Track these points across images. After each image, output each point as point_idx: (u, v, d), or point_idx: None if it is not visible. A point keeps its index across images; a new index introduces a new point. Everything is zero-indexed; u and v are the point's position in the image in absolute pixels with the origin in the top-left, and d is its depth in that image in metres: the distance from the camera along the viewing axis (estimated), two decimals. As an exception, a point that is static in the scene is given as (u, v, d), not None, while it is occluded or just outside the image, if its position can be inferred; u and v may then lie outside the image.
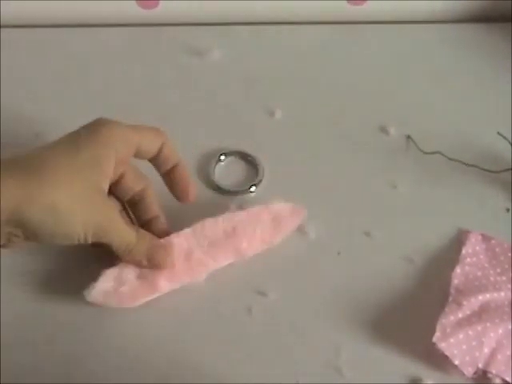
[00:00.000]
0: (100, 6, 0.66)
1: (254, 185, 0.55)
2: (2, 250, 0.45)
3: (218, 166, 0.56)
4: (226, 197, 0.55)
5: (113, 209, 0.47)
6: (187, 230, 0.50)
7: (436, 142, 0.58)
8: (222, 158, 0.57)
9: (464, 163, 0.56)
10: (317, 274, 0.51)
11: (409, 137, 0.59)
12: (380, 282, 0.50)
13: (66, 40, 0.65)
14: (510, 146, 0.56)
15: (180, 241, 0.49)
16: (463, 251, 0.51)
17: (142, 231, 0.48)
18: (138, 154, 0.48)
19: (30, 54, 0.64)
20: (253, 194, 0.55)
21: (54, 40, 0.65)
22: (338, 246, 0.52)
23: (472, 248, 0.52)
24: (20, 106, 0.60)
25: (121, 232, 0.46)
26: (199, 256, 0.49)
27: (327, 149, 0.58)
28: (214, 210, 0.53)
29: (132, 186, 0.50)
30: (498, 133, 0.56)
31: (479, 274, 0.50)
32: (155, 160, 0.49)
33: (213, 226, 0.50)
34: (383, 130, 0.60)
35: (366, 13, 0.68)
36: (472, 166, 0.56)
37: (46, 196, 0.41)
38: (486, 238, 0.52)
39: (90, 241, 0.44)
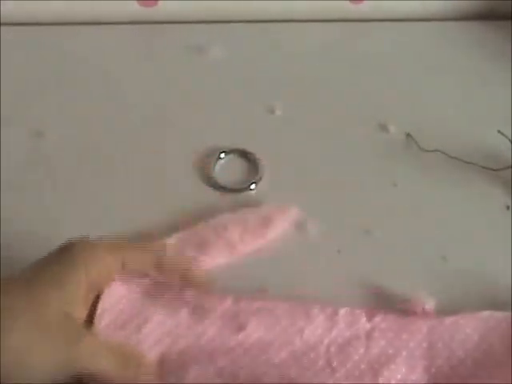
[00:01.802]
0: (100, 4, 0.66)
1: (254, 183, 0.55)
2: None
3: (217, 164, 0.56)
4: (225, 195, 0.55)
5: (82, 337, 0.40)
6: (179, 234, 0.50)
7: (436, 139, 0.58)
8: (222, 155, 0.57)
9: (464, 161, 0.56)
10: (317, 272, 0.51)
11: (409, 135, 0.59)
12: (380, 281, 0.50)
13: (65, 38, 0.66)
14: (509, 143, 0.56)
15: (172, 241, 0.50)
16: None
17: (128, 353, 0.42)
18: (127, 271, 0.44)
19: (30, 51, 0.64)
20: (253, 192, 0.55)
21: (54, 38, 0.65)
22: (337, 244, 0.52)
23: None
24: (20, 105, 0.60)
25: (98, 362, 0.40)
26: (192, 254, 0.49)
27: (327, 146, 0.58)
28: (213, 208, 0.53)
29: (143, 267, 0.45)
30: (499, 131, 0.56)
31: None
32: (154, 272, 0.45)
33: (204, 228, 0.51)
34: (383, 127, 0.60)
35: (367, 11, 0.69)
36: (472, 163, 0.56)
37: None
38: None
39: (65, 378, 0.39)
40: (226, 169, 0.56)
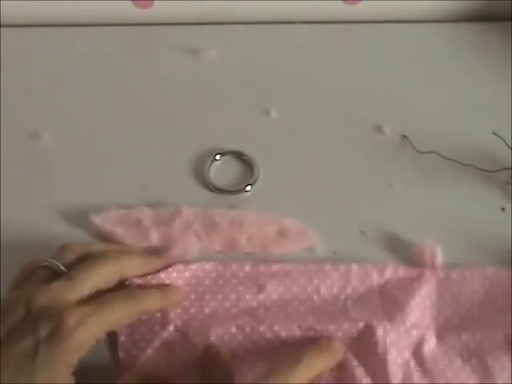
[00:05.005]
0: (96, 6, 0.66)
1: (250, 184, 0.55)
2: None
3: (213, 166, 0.56)
4: (221, 196, 0.55)
5: None
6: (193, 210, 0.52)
7: (432, 141, 0.58)
8: (218, 157, 0.57)
9: (460, 163, 0.56)
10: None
11: (404, 136, 0.59)
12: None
13: (62, 39, 0.66)
14: (505, 145, 0.56)
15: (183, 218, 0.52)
16: None
17: None
18: None
19: (28, 52, 0.64)
20: (248, 194, 0.55)
21: (50, 39, 0.65)
22: (333, 245, 0.52)
23: None
24: (18, 105, 0.60)
25: None
26: (197, 231, 0.51)
27: (323, 148, 0.58)
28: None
29: None
30: (494, 133, 0.56)
31: None
32: None
33: (221, 214, 0.52)
34: (379, 129, 0.60)
35: (362, 12, 0.68)
36: (468, 165, 0.56)
37: None
38: None
39: None
40: (222, 170, 0.56)
